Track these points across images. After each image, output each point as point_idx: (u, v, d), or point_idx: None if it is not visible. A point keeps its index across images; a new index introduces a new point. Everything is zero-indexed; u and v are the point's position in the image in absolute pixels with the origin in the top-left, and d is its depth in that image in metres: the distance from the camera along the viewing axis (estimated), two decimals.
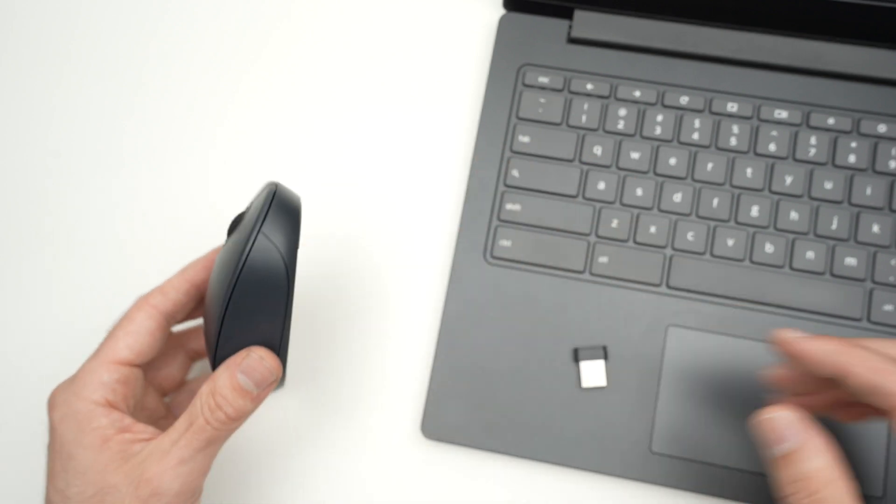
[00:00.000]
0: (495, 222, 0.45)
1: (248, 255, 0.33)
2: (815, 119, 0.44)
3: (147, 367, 0.38)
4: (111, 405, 0.34)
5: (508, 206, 0.45)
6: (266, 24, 0.51)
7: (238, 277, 0.33)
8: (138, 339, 0.35)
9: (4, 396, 0.45)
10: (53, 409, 0.34)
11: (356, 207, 0.47)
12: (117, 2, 0.52)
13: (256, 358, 0.34)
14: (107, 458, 0.32)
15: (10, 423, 0.44)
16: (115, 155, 0.49)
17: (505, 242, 0.44)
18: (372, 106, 0.49)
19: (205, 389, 0.34)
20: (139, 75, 0.50)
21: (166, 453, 0.33)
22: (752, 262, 0.43)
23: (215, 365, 0.35)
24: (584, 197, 0.44)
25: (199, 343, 0.41)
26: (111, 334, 0.36)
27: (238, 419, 0.34)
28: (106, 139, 0.49)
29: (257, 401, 0.34)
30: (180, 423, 0.33)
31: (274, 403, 0.44)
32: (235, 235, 0.34)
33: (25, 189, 0.48)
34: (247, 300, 0.33)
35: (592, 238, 0.44)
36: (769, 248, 0.43)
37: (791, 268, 0.42)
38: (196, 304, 0.38)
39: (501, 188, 0.45)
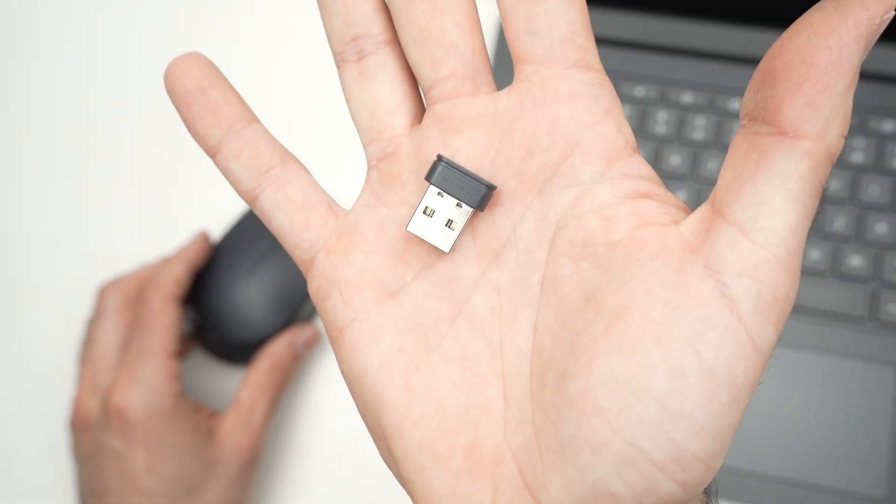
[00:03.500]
0: None
1: None
2: None
3: None
4: (182, 395, 0.38)
5: None
6: (267, 38, 0.50)
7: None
8: (176, 330, 0.38)
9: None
10: (130, 410, 0.36)
11: None
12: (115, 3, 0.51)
13: (306, 332, 0.42)
14: (202, 439, 0.37)
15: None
16: (113, 156, 0.49)
17: None
18: None
19: (266, 362, 0.40)
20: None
21: (252, 422, 0.38)
22: None
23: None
24: None
25: None
26: (150, 329, 0.37)
27: (288, 380, 0.41)
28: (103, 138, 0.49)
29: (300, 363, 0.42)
30: (250, 395, 0.39)
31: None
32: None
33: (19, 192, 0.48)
34: None
35: None
36: None
37: None
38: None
39: None
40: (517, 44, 0.18)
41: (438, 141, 0.18)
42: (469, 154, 0.18)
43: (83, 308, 0.46)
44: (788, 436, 0.40)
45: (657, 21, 0.46)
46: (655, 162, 0.44)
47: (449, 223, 0.18)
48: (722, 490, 0.40)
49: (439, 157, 0.18)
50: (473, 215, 0.18)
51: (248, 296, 0.41)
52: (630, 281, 0.16)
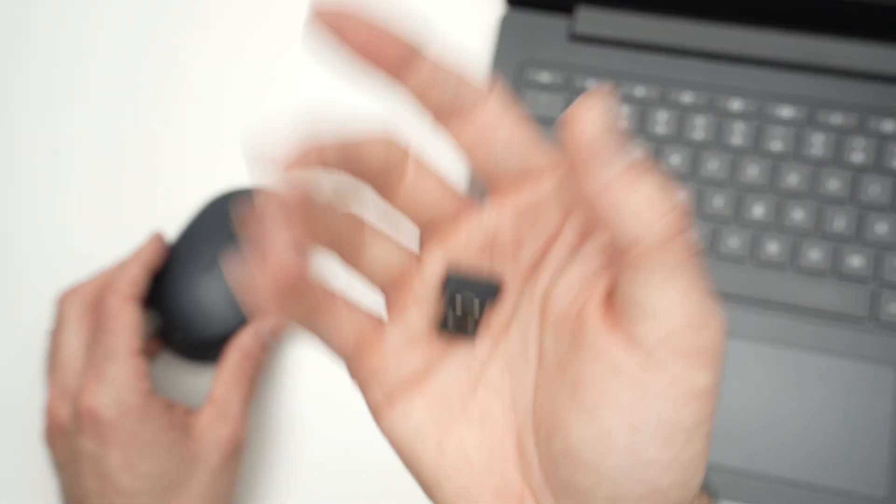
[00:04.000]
0: None
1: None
2: (820, 117, 0.44)
3: None
4: (153, 392, 0.38)
5: None
6: (263, 21, 0.50)
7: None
8: (138, 329, 0.38)
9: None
10: (101, 411, 0.36)
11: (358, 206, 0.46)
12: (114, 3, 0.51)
13: (270, 320, 0.40)
14: (179, 435, 0.37)
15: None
16: (110, 147, 0.48)
17: None
18: (371, 106, 0.48)
19: (235, 354, 0.40)
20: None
21: (230, 414, 0.38)
22: (755, 261, 0.42)
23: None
24: None
25: None
26: (111, 331, 0.37)
27: (260, 369, 0.41)
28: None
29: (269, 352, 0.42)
30: (224, 388, 0.39)
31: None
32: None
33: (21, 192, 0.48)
34: None
35: None
36: (773, 247, 0.42)
37: (795, 268, 0.42)
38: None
39: None
40: (485, 177, 0.22)
41: (440, 262, 0.22)
42: (469, 259, 0.22)
43: (39, 315, 0.45)
44: (788, 436, 0.40)
45: (657, 21, 0.46)
46: (656, 162, 0.44)
47: (468, 318, 0.21)
48: (722, 490, 0.40)
49: (449, 270, 0.21)
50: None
51: (210, 293, 0.41)
52: (582, 353, 0.19)
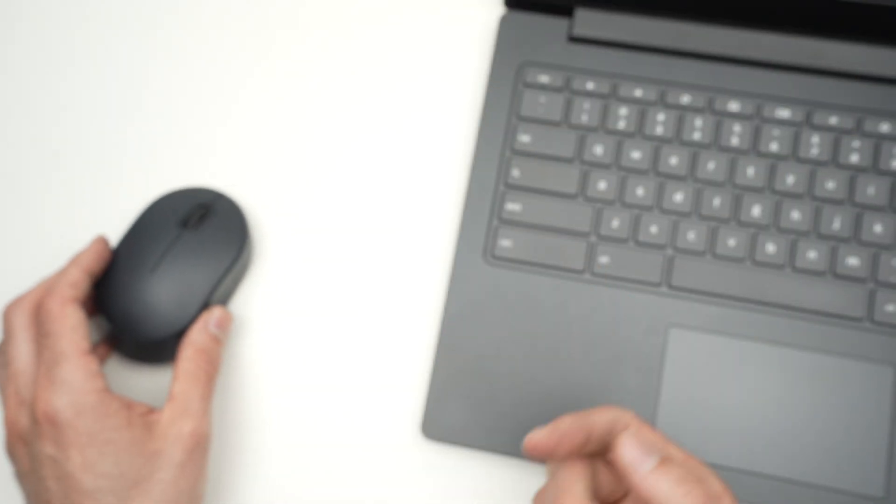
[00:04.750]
0: (495, 222, 0.44)
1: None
2: (818, 118, 0.44)
3: None
4: (108, 390, 0.37)
5: (509, 206, 0.44)
6: (265, 25, 0.50)
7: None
8: (83, 329, 0.38)
9: None
10: (57, 413, 0.36)
11: (356, 207, 0.47)
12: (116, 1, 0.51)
13: (216, 313, 0.42)
14: (139, 433, 0.37)
15: None
16: (116, 150, 0.49)
17: (505, 242, 0.44)
18: (371, 106, 0.48)
19: (188, 351, 0.40)
20: (138, 70, 0.50)
21: (191, 410, 0.38)
22: (753, 262, 0.43)
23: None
24: (584, 197, 0.44)
25: None
26: (55, 334, 0.37)
27: (216, 362, 0.41)
28: (104, 136, 0.49)
29: (222, 344, 0.42)
30: (182, 385, 0.39)
31: (275, 402, 0.44)
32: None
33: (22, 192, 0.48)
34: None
35: (593, 238, 0.44)
36: (771, 247, 0.43)
37: (793, 268, 0.42)
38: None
39: (502, 188, 0.45)
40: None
41: None
42: None
43: None
44: (786, 435, 0.40)
45: (656, 22, 0.46)
46: (654, 162, 0.44)
47: None
48: None
49: None
50: None
51: (157, 293, 0.41)
52: None
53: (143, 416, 0.38)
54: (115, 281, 0.42)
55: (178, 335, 0.41)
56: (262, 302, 0.45)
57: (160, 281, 0.41)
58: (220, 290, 0.43)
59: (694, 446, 0.40)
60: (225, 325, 0.42)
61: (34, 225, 0.47)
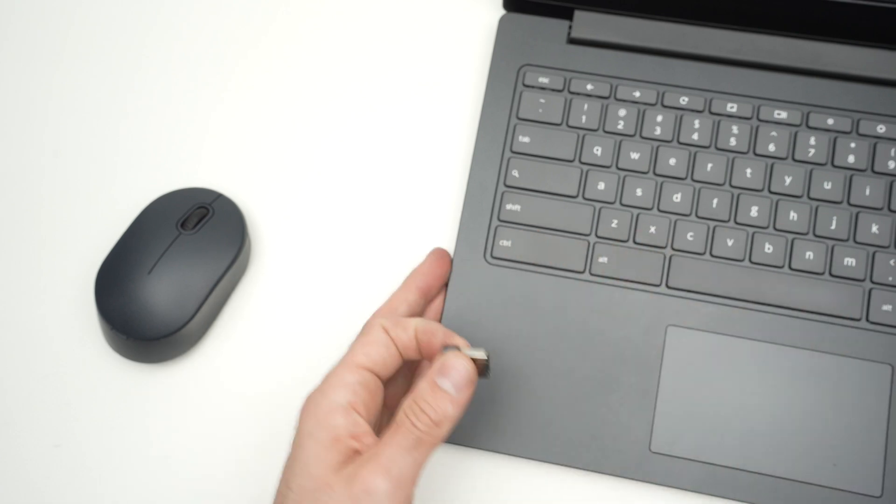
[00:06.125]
0: (495, 222, 0.45)
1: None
2: (815, 119, 0.45)
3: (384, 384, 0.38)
4: (352, 407, 0.35)
5: (508, 207, 0.45)
6: (265, 25, 0.50)
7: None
8: (375, 348, 0.36)
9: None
10: (303, 411, 0.35)
11: (355, 208, 0.47)
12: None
13: (452, 358, 0.35)
14: (333, 457, 0.33)
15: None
16: (112, 151, 0.48)
17: (505, 242, 0.44)
18: (371, 107, 0.49)
19: (408, 397, 0.35)
20: (136, 70, 0.50)
21: (378, 456, 0.33)
22: (751, 262, 0.43)
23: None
24: (584, 197, 0.45)
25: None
26: (349, 348, 0.37)
27: (441, 423, 0.34)
28: (103, 136, 0.49)
29: (457, 403, 0.35)
30: (389, 431, 0.34)
31: (275, 407, 0.44)
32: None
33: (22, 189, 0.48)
34: None
35: (592, 238, 0.44)
36: (768, 248, 0.43)
37: (790, 268, 0.43)
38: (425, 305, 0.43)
39: (501, 188, 0.45)
40: None
41: None
42: None
43: None
44: (784, 434, 0.40)
45: (655, 24, 0.46)
46: (653, 163, 0.45)
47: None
48: (717, 488, 0.40)
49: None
50: None
51: (155, 293, 0.41)
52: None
53: (358, 450, 0.35)
54: (114, 281, 0.42)
55: (176, 335, 0.41)
56: (259, 302, 0.45)
57: (159, 281, 0.42)
58: (218, 291, 0.43)
59: (692, 445, 0.40)
60: (454, 377, 0.36)
61: (34, 225, 0.47)
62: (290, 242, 0.46)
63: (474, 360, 0.35)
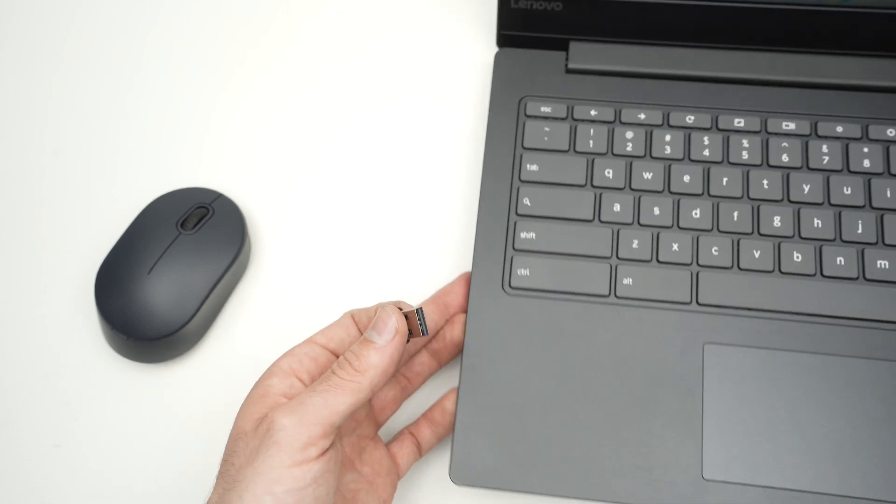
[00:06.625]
0: (510, 252, 0.42)
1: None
2: (824, 128, 0.44)
3: None
4: (293, 372, 0.35)
5: (523, 235, 0.43)
6: (265, 25, 0.50)
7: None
8: (334, 329, 0.37)
9: None
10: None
11: (355, 208, 0.46)
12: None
13: (380, 310, 0.36)
14: (257, 410, 0.34)
15: None
16: (112, 150, 0.47)
17: (523, 271, 0.42)
18: (371, 107, 0.48)
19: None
20: (136, 70, 0.49)
21: (291, 401, 0.33)
22: (781, 272, 0.41)
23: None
24: (600, 220, 0.43)
25: (416, 374, 0.41)
26: None
27: (364, 370, 0.34)
28: (103, 136, 0.47)
29: (382, 351, 0.35)
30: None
31: None
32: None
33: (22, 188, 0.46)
34: None
35: (614, 260, 0.42)
36: (797, 256, 0.41)
37: (822, 275, 0.41)
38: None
39: (514, 217, 0.43)
40: None
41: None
42: None
43: None
44: (847, 449, 0.37)
45: (651, 49, 0.46)
46: (667, 182, 0.43)
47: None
48: None
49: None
50: None
51: (155, 293, 0.41)
52: None
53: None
54: (114, 281, 0.41)
55: (176, 335, 0.41)
56: (259, 302, 0.44)
57: (159, 281, 0.41)
58: (218, 291, 0.42)
59: (748, 468, 0.37)
60: (378, 324, 0.37)
61: (34, 225, 0.46)
62: (290, 242, 0.45)
63: (406, 314, 0.35)
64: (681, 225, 0.42)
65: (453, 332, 0.41)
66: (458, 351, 0.42)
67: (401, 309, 0.36)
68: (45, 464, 0.41)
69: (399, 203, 0.46)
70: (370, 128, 0.48)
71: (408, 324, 0.36)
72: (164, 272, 0.41)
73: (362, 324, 0.38)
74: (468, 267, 0.44)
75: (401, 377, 0.41)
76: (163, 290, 0.41)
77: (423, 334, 0.36)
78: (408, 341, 0.36)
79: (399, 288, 0.44)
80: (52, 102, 0.48)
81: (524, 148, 0.45)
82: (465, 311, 0.42)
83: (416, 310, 0.36)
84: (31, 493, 0.40)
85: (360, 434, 0.39)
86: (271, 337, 0.43)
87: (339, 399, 0.33)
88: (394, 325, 0.35)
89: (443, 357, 0.42)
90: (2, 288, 0.44)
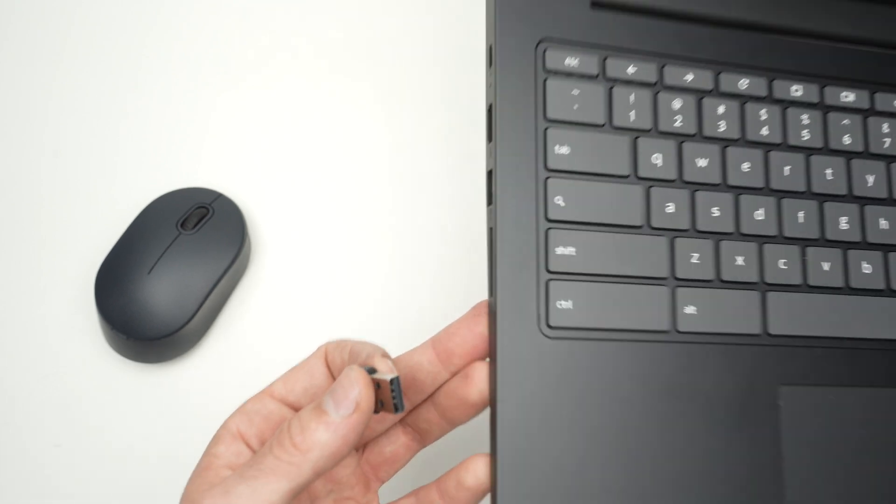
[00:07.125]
0: (544, 275, 0.31)
1: None
2: (882, 101, 0.37)
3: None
4: (241, 436, 0.31)
5: (559, 251, 0.32)
6: (265, 25, 0.48)
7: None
8: (298, 375, 0.32)
9: None
10: None
11: (355, 208, 0.44)
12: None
13: (344, 375, 0.28)
14: (197, 485, 0.29)
15: None
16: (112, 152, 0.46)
17: (564, 304, 0.31)
18: (372, 107, 0.47)
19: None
20: (136, 70, 0.47)
21: (222, 483, 0.28)
22: (850, 288, 0.35)
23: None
24: (650, 226, 0.33)
25: (430, 420, 0.33)
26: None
27: (307, 450, 0.27)
28: (103, 136, 0.46)
29: (334, 428, 0.27)
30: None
31: None
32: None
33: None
34: None
35: (671, 282, 0.33)
36: (866, 267, 0.35)
37: (892, 290, 0.35)
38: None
39: (543, 224, 0.32)
40: None
41: None
42: None
43: None
44: None
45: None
46: (724, 171, 0.34)
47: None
48: None
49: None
50: None
51: (155, 293, 0.41)
52: None
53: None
54: (114, 281, 0.41)
55: (176, 335, 0.41)
56: (259, 302, 0.44)
57: (159, 281, 0.41)
58: (217, 291, 0.42)
59: None
60: (337, 393, 0.29)
61: (34, 225, 0.44)
62: (290, 242, 0.45)
63: (378, 383, 0.28)
64: (742, 230, 0.34)
65: (468, 390, 0.31)
66: (477, 412, 0.31)
67: (374, 371, 0.28)
68: (45, 464, 0.40)
69: (401, 203, 0.45)
70: (370, 128, 0.47)
71: (379, 394, 0.28)
72: (165, 272, 0.41)
73: (335, 366, 0.31)
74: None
75: (406, 426, 0.33)
76: (163, 290, 0.41)
77: (395, 411, 0.28)
78: (377, 412, 0.28)
79: (399, 290, 0.43)
80: (52, 102, 0.47)
81: (548, 120, 0.32)
82: (489, 359, 0.31)
83: (391, 379, 0.28)
84: (31, 493, 0.40)
85: (341, 497, 0.32)
86: (271, 337, 0.43)
87: (269, 487, 0.27)
88: (355, 398, 0.28)
89: (454, 418, 0.32)
90: (2, 288, 0.43)
